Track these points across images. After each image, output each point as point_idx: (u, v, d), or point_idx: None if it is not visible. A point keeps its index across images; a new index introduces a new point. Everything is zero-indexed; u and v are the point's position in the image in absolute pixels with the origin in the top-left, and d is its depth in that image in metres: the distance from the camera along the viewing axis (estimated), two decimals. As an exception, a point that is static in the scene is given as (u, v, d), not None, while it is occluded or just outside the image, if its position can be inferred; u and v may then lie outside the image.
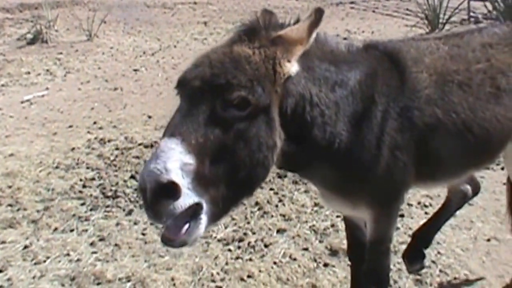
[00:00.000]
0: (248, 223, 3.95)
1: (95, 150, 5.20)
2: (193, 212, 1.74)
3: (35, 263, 3.54)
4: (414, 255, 3.32)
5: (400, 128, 2.25)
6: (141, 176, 1.67)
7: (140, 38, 9.81)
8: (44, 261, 3.55)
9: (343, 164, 2.22)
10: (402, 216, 3.97)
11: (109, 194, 4.37)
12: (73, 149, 5.22)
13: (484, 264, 3.53)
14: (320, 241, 3.74)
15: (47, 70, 7.90)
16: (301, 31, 1.98)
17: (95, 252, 3.65)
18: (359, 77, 2.20)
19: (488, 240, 3.77)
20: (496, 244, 3.69)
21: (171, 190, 1.64)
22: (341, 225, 3.75)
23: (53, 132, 5.68)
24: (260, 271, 3.44)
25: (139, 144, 5.29)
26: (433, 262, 3.51)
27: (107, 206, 4.20)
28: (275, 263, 3.52)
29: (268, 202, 4.22)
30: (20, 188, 4.45)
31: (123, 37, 9.86)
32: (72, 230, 3.91)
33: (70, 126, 5.82)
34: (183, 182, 1.67)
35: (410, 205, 4.16)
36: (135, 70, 7.90)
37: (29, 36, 9.40)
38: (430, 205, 4.20)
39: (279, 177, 4.56)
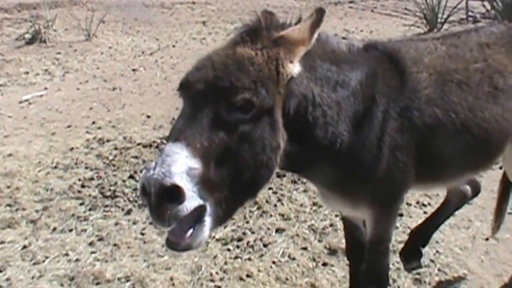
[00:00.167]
0: (247, 222, 3.95)
1: (94, 150, 5.20)
2: (198, 214, 1.73)
3: (34, 263, 3.54)
4: (411, 253, 3.33)
5: (400, 129, 2.25)
6: (146, 180, 1.65)
7: (139, 38, 9.81)
8: (43, 261, 3.55)
9: (344, 164, 2.22)
10: (401, 215, 3.97)
11: (108, 194, 4.37)
12: (71, 149, 5.22)
13: (482, 263, 3.54)
14: (319, 241, 3.75)
15: (46, 70, 7.90)
16: (303, 32, 1.97)
17: (94, 252, 3.65)
18: (360, 77, 2.20)
19: (487, 239, 3.77)
20: (495, 243, 3.69)
21: (175, 193, 1.63)
22: (340, 225, 3.76)
23: (51, 132, 5.67)
24: (259, 270, 3.44)
25: (138, 144, 5.29)
26: (432, 261, 3.51)
27: (106, 206, 4.20)
28: (274, 262, 3.52)
29: (267, 201, 4.22)
30: (19, 188, 4.45)
31: (121, 37, 9.85)
32: (71, 230, 3.91)
33: (69, 126, 5.81)
34: (188, 185, 1.66)
35: (409, 204, 4.17)
36: (133, 70, 7.90)
37: (28, 36, 9.38)
38: (429, 204, 4.20)
39: (278, 176, 4.56)
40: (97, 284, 3.36)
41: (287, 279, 3.38)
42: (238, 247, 3.68)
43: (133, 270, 3.46)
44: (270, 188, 4.40)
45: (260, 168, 1.88)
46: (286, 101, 1.96)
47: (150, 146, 5.23)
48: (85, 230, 3.90)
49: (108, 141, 5.39)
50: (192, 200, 1.67)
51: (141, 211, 4.13)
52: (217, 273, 3.43)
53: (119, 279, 3.39)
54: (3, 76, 7.65)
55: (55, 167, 4.84)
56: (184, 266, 3.50)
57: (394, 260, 3.46)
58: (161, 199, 1.63)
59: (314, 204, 4.18)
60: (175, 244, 1.77)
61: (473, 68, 2.48)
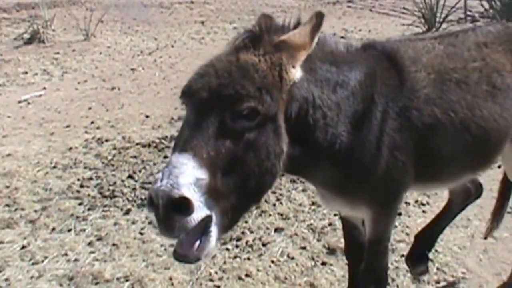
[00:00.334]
0: (246, 222, 3.95)
1: (92, 149, 5.20)
2: (204, 225, 1.72)
3: (33, 263, 3.54)
4: (417, 258, 3.31)
5: (399, 128, 2.25)
6: (153, 191, 1.64)
7: (137, 37, 9.80)
8: (42, 261, 3.55)
9: (343, 165, 2.21)
10: (399, 214, 3.98)
11: (107, 193, 4.37)
12: (70, 148, 5.22)
13: (481, 262, 3.54)
14: (318, 240, 3.75)
15: (44, 70, 7.89)
16: (303, 36, 1.96)
17: (93, 252, 3.65)
18: (359, 77, 2.20)
19: (485, 238, 3.77)
20: (493, 242, 3.70)
21: (184, 205, 1.62)
22: (339, 224, 3.76)
23: (50, 132, 5.67)
24: (258, 270, 3.45)
25: (137, 144, 5.29)
26: (431, 260, 3.51)
27: (105, 206, 4.20)
28: (273, 262, 3.53)
29: (265, 201, 4.22)
30: (18, 188, 4.44)
31: (120, 36, 9.84)
32: (70, 230, 3.91)
33: (68, 126, 5.81)
34: (195, 196, 1.65)
35: (407, 203, 4.17)
36: (132, 70, 7.89)
37: (26, 36, 9.37)
38: (428, 203, 4.21)
39: (277, 176, 4.56)
40: (96, 284, 3.36)
41: (286, 278, 3.39)
42: (237, 246, 3.69)
43: (132, 270, 3.46)
44: (269, 188, 4.40)
45: (265, 174, 1.87)
46: (288, 106, 1.95)
47: (149, 145, 5.23)
48: (84, 230, 3.90)
49: (107, 141, 5.39)
50: (199, 211, 1.67)
51: (140, 211, 4.13)
52: (216, 272, 3.43)
53: (118, 279, 3.39)
54: (1, 76, 7.64)
55: (54, 167, 4.84)
56: (183, 266, 3.50)
57: (393, 259, 3.47)
58: (169, 211, 1.62)
59: (313, 203, 4.18)
60: (183, 257, 1.77)
61: (471, 67, 2.48)
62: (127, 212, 4.12)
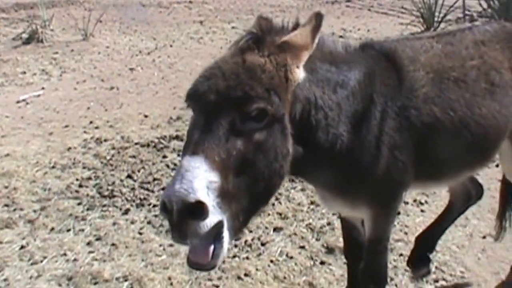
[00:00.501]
0: (245, 221, 3.95)
1: (91, 149, 5.20)
2: (217, 231, 1.71)
3: (32, 263, 3.54)
4: (419, 260, 3.31)
5: (399, 128, 2.26)
6: (166, 197, 1.62)
7: (136, 37, 9.79)
8: (41, 261, 3.55)
9: (343, 165, 2.22)
10: (398, 213, 3.98)
11: (106, 193, 4.37)
12: (69, 148, 5.22)
13: (479, 261, 3.55)
14: (317, 239, 3.76)
15: (43, 70, 7.88)
16: (305, 37, 1.97)
17: (92, 252, 3.65)
18: (359, 77, 2.21)
19: (484, 237, 3.79)
20: (492, 241, 3.70)
21: (199, 210, 1.61)
22: (337, 223, 3.76)
23: (49, 132, 5.67)
24: (257, 269, 3.45)
25: (136, 144, 5.29)
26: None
27: (104, 206, 4.20)
28: (271, 261, 3.53)
29: (264, 200, 4.22)
30: (17, 188, 4.44)
31: (119, 36, 9.83)
32: (68, 230, 3.91)
33: (66, 126, 5.81)
34: (209, 200, 1.64)
35: (406, 203, 4.17)
36: (131, 70, 7.89)
37: (25, 35, 9.35)
38: (426, 202, 4.22)
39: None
40: (95, 284, 3.36)
41: (285, 278, 3.39)
42: (236, 246, 3.69)
43: (131, 269, 3.46)
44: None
45: (273, 176, 1.87)
46: (292, 107, 1.95)
47: (148, 145, 5.23)
48: (83, 230, 3.90)
49: (105, 140, 5.39)
50: (213, 215, 1.65)
51: (139, 211, 4.14)
52: (215, 272, 3.43)
53: (117, 278, 3.40)
54: (0, 76, 7.63)
55: (53, 167, 4.84)
56: (182, 266, 3.50)
57: (392, 258, 3.48)
58: (184, 216, 1.61)
59: (312, 203, 4.19)
60: (198, 265, 1.75)
61: (469, 65, 2.49)
62: (126, 212, 4.12)
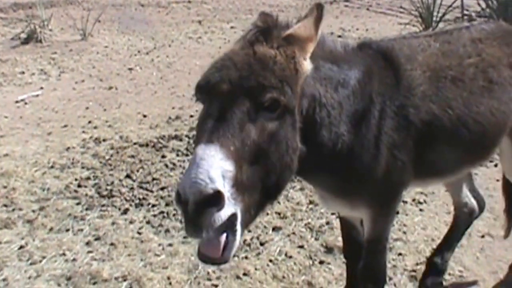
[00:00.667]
0: (244, 221, 3.95)
1: (90, 149, 5.20)
2: (230, 223, 1.68)
3: (30, 263, 3.54)
4: (432, 282, 3.27)
5: (397, 127, 2.26)
6: (182, 187, 1.58)
7: (135, 37, 9.79)
8: (40, 261, 3.55)
9: (344, 165, 2.22)
10: (396, 213, 3.97)
11: (105, 193, 4.37)
12: (68, 148, 5.21)
13: (478, 260, 3.56)
14: (316, 239, 3.76)
15: (42, 70, 7.88)
16: (309, 28, 1.97)
17: (91, 252, 3.65)
18: (358, 76, 2.21)
19: (482, 236, 3.79)
20: (490, 240, 3.71)
21: (216, 200, 1.57)
22: (336, 223, 3.77)
23: (48, 131, 5.66)
24: (256, 269, 3.45)
25: (134, 143, 5.29)
26: (428, 258, 3.52)
27: (103, 206, 4.20)
28: (270, 260, 3.53)
29: (263, 200, 4.22)
30: (15, 188, 4.44)
31: (117, 36, 9.83)
32: (67, 230, 3.91)
33: (65, 126, 5.81)
34: (225, 190, 1.61)
35: (404, 202, 4.18)
36: (129, 69, 7.88)
37: (23, 35, 9.34)
38: (425, 202, 4.22)
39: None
40: (94, 283, 3.36)
41: (284, 277, 3.39)
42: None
43: (130, 269, 3.46)
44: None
45: (284, 169, 1.87)
46: (300, 102, 1.95)
47: (147, 145, 5.23)
48: (82, 230, 3.90)
49: (104, 140, 5.38)
50: (228, 207, 1.63)
51: (138, 211, 4.14)
52: (214, 271, 3.43)
53: (116, 278, 3.40)
54: (-2, 76, 7.63)
55: (52, 167, 4.84)
56: (181, 265, 3.50)
57: (390, 258, 3.48)
58: (200, 207, 1.57)
59: (311, 202, 4.19)
60: (210, 259, 1.73)
61: (467, 63, 2.49)
62: (125, 211, 4.12)
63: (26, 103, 6.58)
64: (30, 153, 5.12)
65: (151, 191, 4.41)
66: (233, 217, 1.68)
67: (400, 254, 3.59)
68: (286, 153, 1.86)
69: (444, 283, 3.35)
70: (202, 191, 1.55)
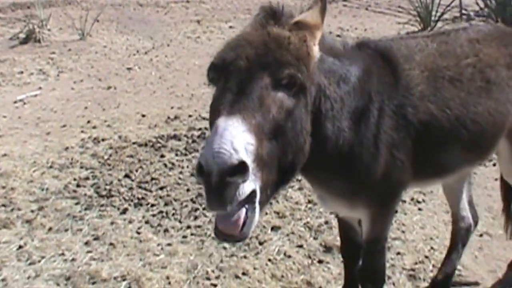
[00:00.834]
0: (243, 221, 3.95)
1: (89, 149, 5.19)
2: (250, 199, 1.65)
3: (29, 263, 3.54)
4: None
5: (396, 126, 2.27)
6: (204, 158, 1.53)
7: (133, 37, 9.77)
8: (39, 261, 3.55)
9: (344, 163, 2.22)
10: (395, 212, 3.98)
11: (104, 193, 4.37)
12: (67, 148, 5.21)
13: (476, 259, 3.56)
14: (315, 238, 3.76)
15: (40, 70, 7.86)
16: (315, 17, 1.98)
17: (90, 252, 3.65)
18: (358, 74, 2.22)
19: (481, 235, 3.80)
20: (489, 239, 3.72)
21: (240, 170, 1.53)
22: (335, 222, 3.77)
23: (46, 131, 5.66)
24: (254, 268, 3.46)
25: (133, 143, 5.28)
26: (426, 257, 3.53)
27: (102, 205, 4.20)
28: (269, 260, 3.54)
29: (262, 199, 4.22)
30: (14, 188, 4.44)
31: (116, 36, 9.81)
32: (66, 230, 3.91)
33: (64, 126, 5.80)
34: (249, 161, 1.58)
35: (403, 201, 4.18)
36: (128, 69, 7.87)
37: (22, 35, 9.32)
38: (423, 201, 4.23)
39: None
40: (93, 283, 3.36)
41: (282, 276, 3.40)
42: (233, 245, 3.69)
43: (129, 269, 3.46)
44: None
45: (299, 150, 1.87)
46: (309, 88, 1.95)
47: (146, 145, 5.23)
48: (81, 230, 3.90)
49: (103, 140, 5.38)
50: (250, 181, 1.59)
51: (136, 210, 4.14)
52: (213, 271, 3.44)
53: (115, 278, 3.40)
54: (-3, 76, 7.62)
55: (50, 167, 4.83)
56: (180, 265, 3.51)
57: (389, 257, 3.48)
58: (225, 176, 1.53)
59: (309, 201, 4.19)
60: (229, 236, 1.69)
61: (465, 63, 2.50)
62: (124, 211, 4.12)
63: (24, 103, 6.57)
64: (28, 153, 5.12)
65: (150, 191, 4.41)
66: (253, 193, 1.64)
67: (398, 253, 3.59)
68: (301, 133, 1.86)
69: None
70: (227, 161, 1.52)
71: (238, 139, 1.56)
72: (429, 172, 2.56)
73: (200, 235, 3.81)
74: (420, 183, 2.72)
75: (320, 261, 3.53)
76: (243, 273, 3.41)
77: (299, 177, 3.96)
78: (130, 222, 3.99)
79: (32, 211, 4.13)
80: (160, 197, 4.31)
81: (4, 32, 9.90)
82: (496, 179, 4.04)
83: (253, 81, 1.73)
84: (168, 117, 5.94)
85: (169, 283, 3.35)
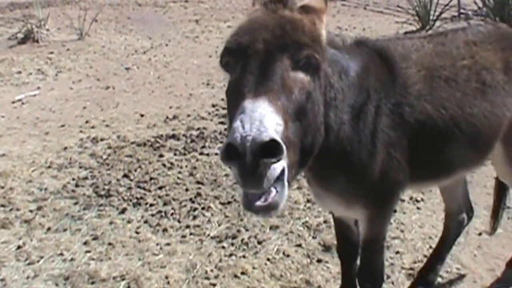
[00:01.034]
0: (241, 220, 3.96)
1: (87, 149, 5.19)
2: (280, 177, 1.62)
3: (28, 263, 3.54)
4: None
5: (393, 125, 2.27)
6: (236, 140, 1.50)
7: (132, 36, 9.78)
8: (38, 261, 3.55)
9: (342, 159, 2.21)
10: (394, 211, 3.99)
11: (102, 193, 4.37)
12: (65, 148, 5.21)
13: (475, 258, 3.56)
14: (313, 237, 3.76)
15: (39, 70, 7.86)
16: (320, 1, 1.97)
17: (88, 251, 3.65)
18: (357, 69, 2.23)
19: (480, 234, 3.80)
20: (487, 238, 3.72)
21: (273, 149, 1.50)
22: (334, 221, 3.78)
23: (45, 131, 5.66)
24: (253, 267, 3.46)
25: (132, 143, 5.28)
26: (425, 256, 3.53)
27: (100, 205, 4.20)
28: (268, 259, 3.54)
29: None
30: (13, 188, 4.44)
31: (114, 35, 9.82)
32: (65, 230, 3.90)
33: (62, 126, 5.80)
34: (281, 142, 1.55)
35: (402, 200, 4.18)
36: (127, 69, 7.88)
37: (20, 35, 9.33)
38: (422, 200, 4.23)
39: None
40: (92, 283, 3.36)
41: (281, 276, 3.40)
42: (232, 244, 3.69)
43: (128, 269, 3.46)
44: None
45: (317, 131, 1.88)
46: (323, 70, 1.93)
47: (144, 144, 5.23)
48: (80, 230, 3.90)
49: (101, 140, 5.38)
50: (283, 159, 1.58)
51: (135, 210, 4.14)
52: (212, 270, 3.44)
53: (114, 278, 3.40)
54: (-5, 76, 7.61)
55: (49, 167, 4.83)
56: (179, 265, 3.51)
57: (388, 256, 3.49)
58: (260, 156, 1.50)
59: (308, 201, 4.19)
60: (262, 208, 1.63)
61: (460, 64, 2.50)
62: (123, 211, 4.12)
63: (23, 103, 6.57)
64: (27, 153, 5.11)
65: (149, 191, 4.41)
66: (283, 171, 1.63)
67: (397, 252, 3.59)
68: (319, 114, 1.87)
69: (442, 281, 3.35)
70: (260, 140, 1.49)
71: (267, 118, 1.56)
72: (425, 174, 2.56)
73: (199, 234, 3.81)
74: (416, 185, 2.70)
75: (319, 260, 3.53)
76: (242, 273, 3.41)
77: (298, 176, 3.97)
78: (129, 221, 3.99)
79: (31, 211, 4.12)
80: (159, 197, 4.31)
81: (3, 32, 9.90)
82: (495, 178, 4.04)
83: (273, 63, 1.72)
84: (167, 117, 5.94)
85: (168, 282, 3.35)
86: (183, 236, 3.80)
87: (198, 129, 5.56)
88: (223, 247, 3.67)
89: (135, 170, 4.73)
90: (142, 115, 6.04)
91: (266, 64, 1.72)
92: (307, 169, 2.30)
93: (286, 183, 1.67)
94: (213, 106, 6.20)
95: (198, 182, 4.51)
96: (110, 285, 3.34)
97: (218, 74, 7.01)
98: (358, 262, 2.76)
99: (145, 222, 3.98)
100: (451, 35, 2.66)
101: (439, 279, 3.37)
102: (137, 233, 3.85)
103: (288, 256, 3.57)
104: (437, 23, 9.45)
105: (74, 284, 3.34)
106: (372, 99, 2.24)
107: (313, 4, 1.95)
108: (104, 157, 5.01)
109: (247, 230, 3.85)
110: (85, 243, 3.75)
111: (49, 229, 3.91)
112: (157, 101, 6.50)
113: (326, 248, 3.64)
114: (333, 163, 2.21)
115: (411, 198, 4.24)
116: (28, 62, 8.19)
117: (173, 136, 5.41)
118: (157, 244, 3.71)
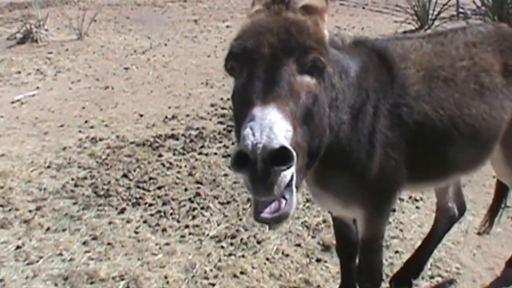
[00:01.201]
0: (240, 219, 3.97)
1: (86, 149, 5.19)
2: (289, 184, 1.62)
3: (27, 263, 3.54)
4: (402, 282, 3.26)
5: (391, 126, 2.27)
6: (246, 147, 1.50)
7: (131, 36, 9.77)
8: (37, 261, 3.55)
9: (341, 158, 2.21)
10: (393, 210, 3.99)
11: (101, 193, 4.36)
12: (64, 148, 5.21)
13: (475, 257, 3.57)
14: (313, 237, 3.76)
15: (38, 70, 7.86)
16: (320, 0, 1.96)
17: (88, 251, 3.65)
18: (357, 69, 2.23)
19: (479, 233, 3.80)
20: (487, 237, 3.72)
21: (284, 156, 1.51)
22: (333, 221, 3.78)
23: (44, 131, 5.65)
24: (253, 267, 3.46)
25: (131, 143, 5.28)
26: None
27: (100, 205, 4.20)
28: (267, 259, 3.54)
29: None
30: (12, 188, 4.43)
31: (113, 35, 9.80)
32: (64, 230, 3.90)
33: (61, 126, 5.80)
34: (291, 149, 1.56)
35: (401, 200, 4.18)
36: (125, 69, 7.87)
37: (19, 35, 9.31)
38: (421, 199, 4.23)
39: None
40: (92, 283, 3.36)
41: (281, 275, 3.40)
42: (232, 244, 3.70)
43: (127, 268, 3.46)
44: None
45: (323, 134, 1.88)
46: (327, 72, 1.93)
47: (143, 144, 5.23)
48: (79, 230, 3.90)
49: (101, 140, 5.38)
50: (293, 166, 1.57)
51: (135, 210, 4.14)
52: (211, 270, 3.44)
53: (113, 278, 3.39)
54: (-6, 76, 7.61)
55: (48, 167, 4.83)
56: (178, 264, 3.51)
57: (387, 255, 3.49)
58: (270, 164, 1.49)
59: (307, 200, 4.19)
60: (273, 219, 1.63)
61: (459, 65, 2.49)
62: (122, 211, 4.12)
63: (22, 103, 6.57)
64: (26, 153, 5.11)
65: (148, 191, 4.41)
66: (292, 177, 1.63)
67: (397, 251, 3.60)
68: (324, 117, 1.88)
69: (441, 280, 3.36)
70: (271, 148, 1.49)
71: (277, 125, 1.56)
72: (423, 175, 2.55)
73: (198, 234, 3.81)
74: (413, 186, 2.69)
75: (318, 260, 3.53)
76: (241, 272, 3.41)
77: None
78: (128, 221, 3.99)
79: (30, 211, 4.12)
80: (158, 197, 4.31)
81: (2, 32, 9.89)
82: (494, 177, 4.04)
83: (280, 68, 1.72)
84: (166, 117, 5.93)
85: (167, 282, 3.35)
86: (182, 236, 3.80)
87: (197, 129, 5.56)
88: (222, 247, 3.67)
89: (134, 170, 4.73)
90: (141, 115, 6.04)
91: (272, 69, 1.72)
92: None
93: (294, 189, 1.67)
94: (212, 105, 6.20)
95: (197, 182, 4.51)
96: (109, 285, 3.34)
97: (217, 74, 7.02)
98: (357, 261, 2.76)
99: (144, 222, 3.97)
100: (451, 35, 2.65)
101: (438, 279, 3.37)
102: (136, 233, 3.85)
103: (287, 255, 3.57)
104: (436, 23, 9.45)
105: (73, 284, 3.34)
106: (371, 99, 2.24)
107: (314, 4, 1.94)
108: (103, 157, 5.00)
109: (246, 230, 3.85)
110: (84, 243, 3.75)
111: (48, 229, 3.91)
112: (156, 101, 6.50)
113: (325, 248, 3.64)
114: (331, 162, 2.20)
115: (410, 198, 4.24)
116: (27, 62, 8.18)
117: (172, 136, 5.41)
118: (156, 244, 3.71)
